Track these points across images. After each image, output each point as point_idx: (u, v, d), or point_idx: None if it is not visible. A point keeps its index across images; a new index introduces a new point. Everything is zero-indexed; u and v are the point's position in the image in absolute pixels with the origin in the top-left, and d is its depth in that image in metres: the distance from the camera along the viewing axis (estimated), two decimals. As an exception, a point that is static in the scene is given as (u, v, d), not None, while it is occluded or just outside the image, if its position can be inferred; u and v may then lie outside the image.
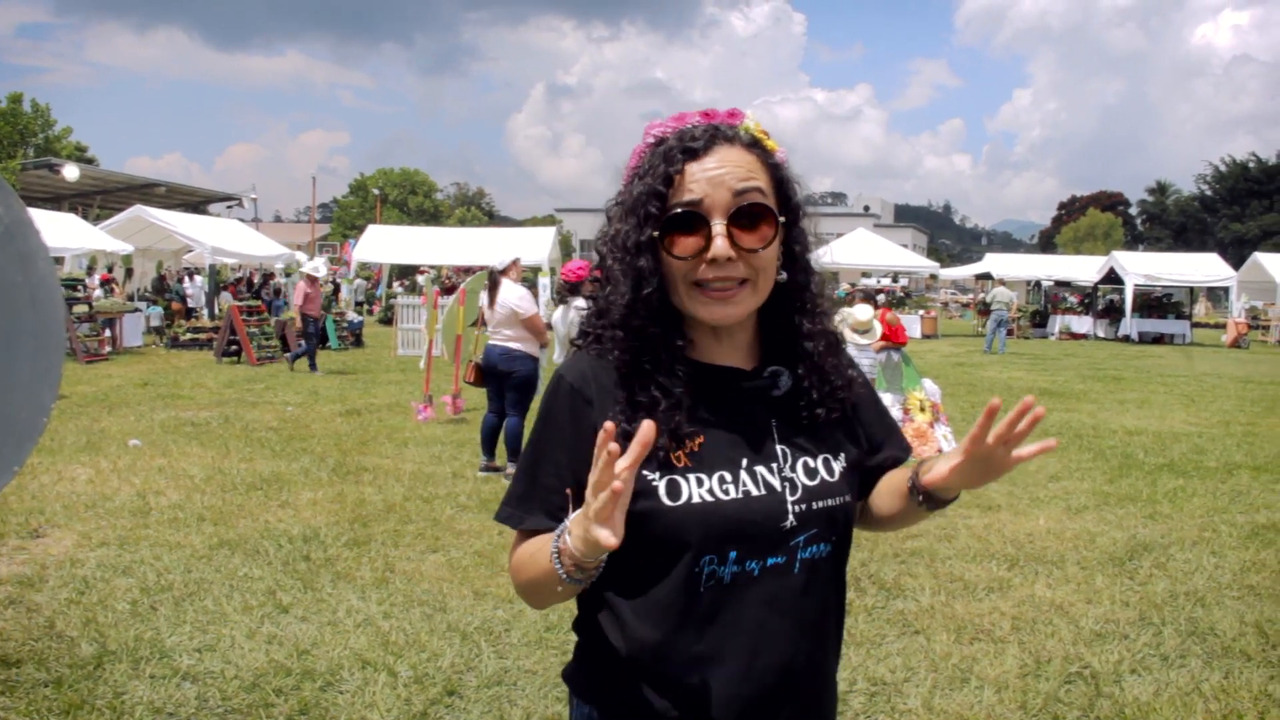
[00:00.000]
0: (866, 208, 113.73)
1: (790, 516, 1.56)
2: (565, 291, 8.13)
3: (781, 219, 1.55)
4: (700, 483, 1.53)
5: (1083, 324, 34.84)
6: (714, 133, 1.54)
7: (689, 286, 1.53)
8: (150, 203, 29.98)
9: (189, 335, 21.63)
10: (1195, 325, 35.16)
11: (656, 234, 1.51)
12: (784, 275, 1.61)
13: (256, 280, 31.57)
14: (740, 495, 1.54)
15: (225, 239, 27.36)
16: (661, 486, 1.53)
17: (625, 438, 1.41)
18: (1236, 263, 38.26)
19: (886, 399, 10.05)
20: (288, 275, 31.67)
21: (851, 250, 32.99)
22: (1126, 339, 32.21)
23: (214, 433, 10.53)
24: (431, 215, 75.38)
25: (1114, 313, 34.63)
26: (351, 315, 25.17)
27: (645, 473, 1.51)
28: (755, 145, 1.57)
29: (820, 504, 1.59)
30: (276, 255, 30.70)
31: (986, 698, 4.28)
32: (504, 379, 8.41)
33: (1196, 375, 20.00)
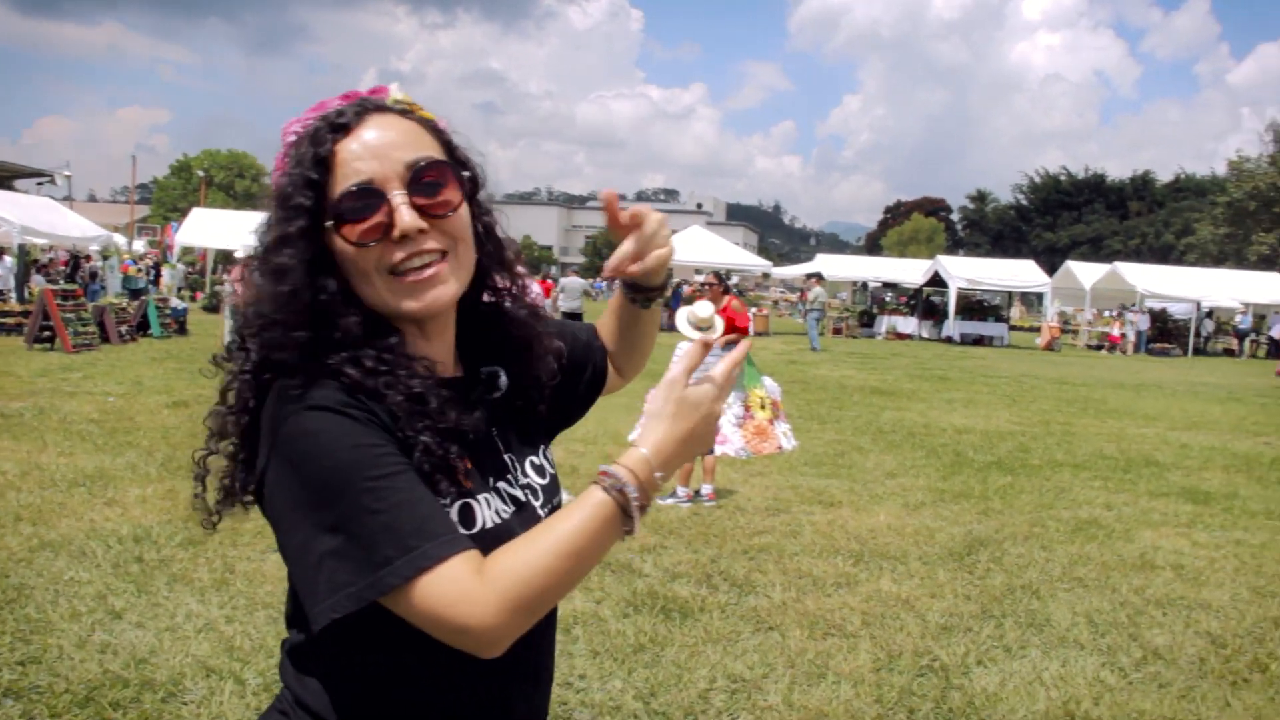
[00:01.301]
0: (699, 205, 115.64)
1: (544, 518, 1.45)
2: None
3: (466, 173, 1.39)
4: (488, 504, 1.37)
5: (908, 325, 36.25)
6: (363, 105, 1.35)
7: (386, 279, 1.31)
8: (-50, 176, 27.98)
9: (-6, 320, 20.26)
10: (1012, 328, 37.02)
11: (330, 223, 1.29)
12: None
13: (70, 263, 29.85)
14: (508, 515, 1.40)
15: (36, 217, 25.72)
16: (454, 512, 1.31)
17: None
18: (1049, 270, 40.45)
19: (729, 398, 10.17)
20: (105, 258, 30.04)
21: (685, 247, 33.47)
22: (949, 340, 33.66)
23: (28, 425, 9.85)
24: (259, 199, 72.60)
25: (937, 314, 36.14)
26: (175, 301, 24.05)
27: (439, 499, 1.28)
28: (407, 112, 1.39)
29: (557, 499, 1.52)
30: (93, 236, 29.05)
31: (844, 692, 4.37)
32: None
33: (1016, 376, 21.05)
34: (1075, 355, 31.72)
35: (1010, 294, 38.81)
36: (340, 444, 1.21)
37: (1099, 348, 35.11)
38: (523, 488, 1.46)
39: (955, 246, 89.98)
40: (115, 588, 5.21)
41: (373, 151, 1.31)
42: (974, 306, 35.89)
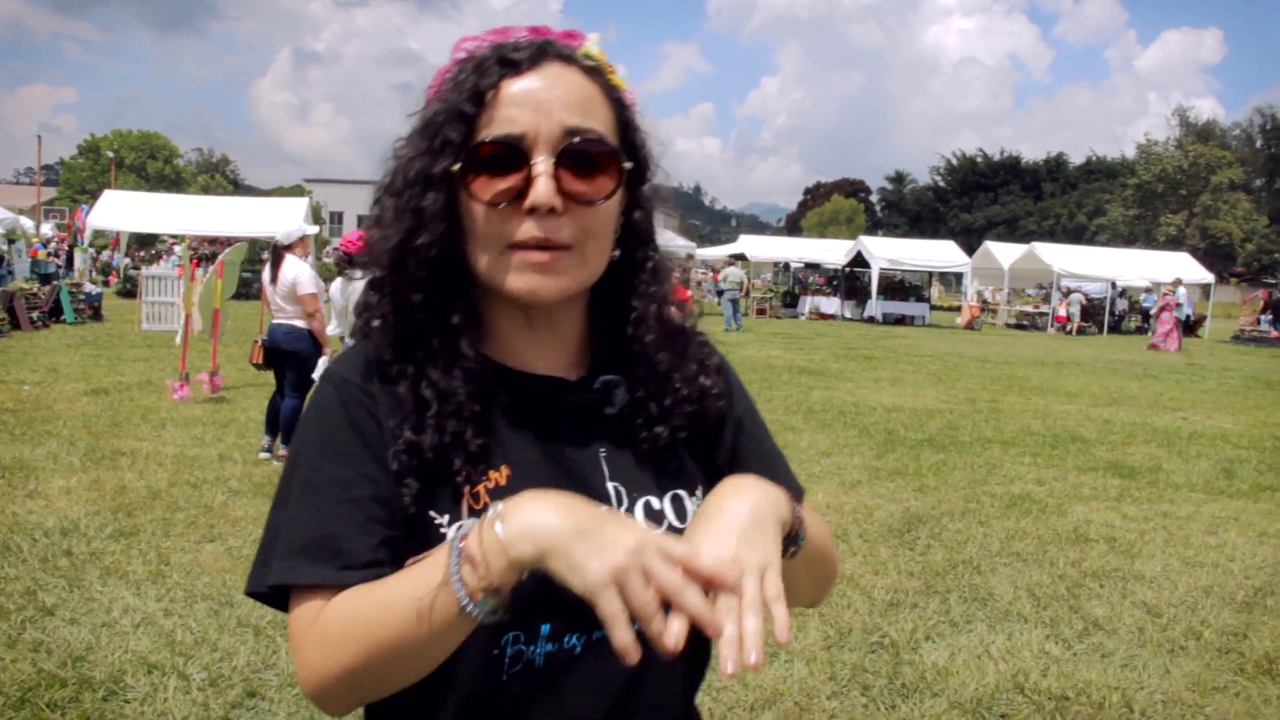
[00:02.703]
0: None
1: None
2: (345, 263, 7.77)
3: (628, 164, 1.19)
4: None
5: (831, 305, 36.65)
6: (544, 47, 1.18)
7: (500, 250, 1.15)
8: None
9: (-104, 307, 19.45)
10: (933, 308, 37.61)
11: (456, 168, 1.14)
12: (616, 252, 1.25)
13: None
14: None
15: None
16: (451, 535, 1.09)
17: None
18: (968, 250, 41.16)
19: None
20: (10, 242, 28.99)
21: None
22: (872, 320, 34.10)
23: (-62, 415, 9.48)
24: (173, 181, 70.77)
25: (860, 294, 36.59)
26: (89, 286, 23.33)
27: (431, 514, 1.14)
28: (597, 73, 1.21)
29: None
30: (-2, 220, 28.03)
31: (797, 670, 4.38)
32: (287, 358, 7.96)
33: (940, 355, 21.38)
34: (995, 334, 32.33)
35: (930, 274, 39.46)
36: (314, 423, 1.19)
37: (1022, 327, 35.83)
38: None
39: (875, 227, 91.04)
40: (45, 583, 5.02)
41: (535, 102, 1.14)
42: (896, 286, 36.43)
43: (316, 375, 7.97)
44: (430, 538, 1.12)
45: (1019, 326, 36.20)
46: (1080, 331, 33.29)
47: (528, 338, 1.25)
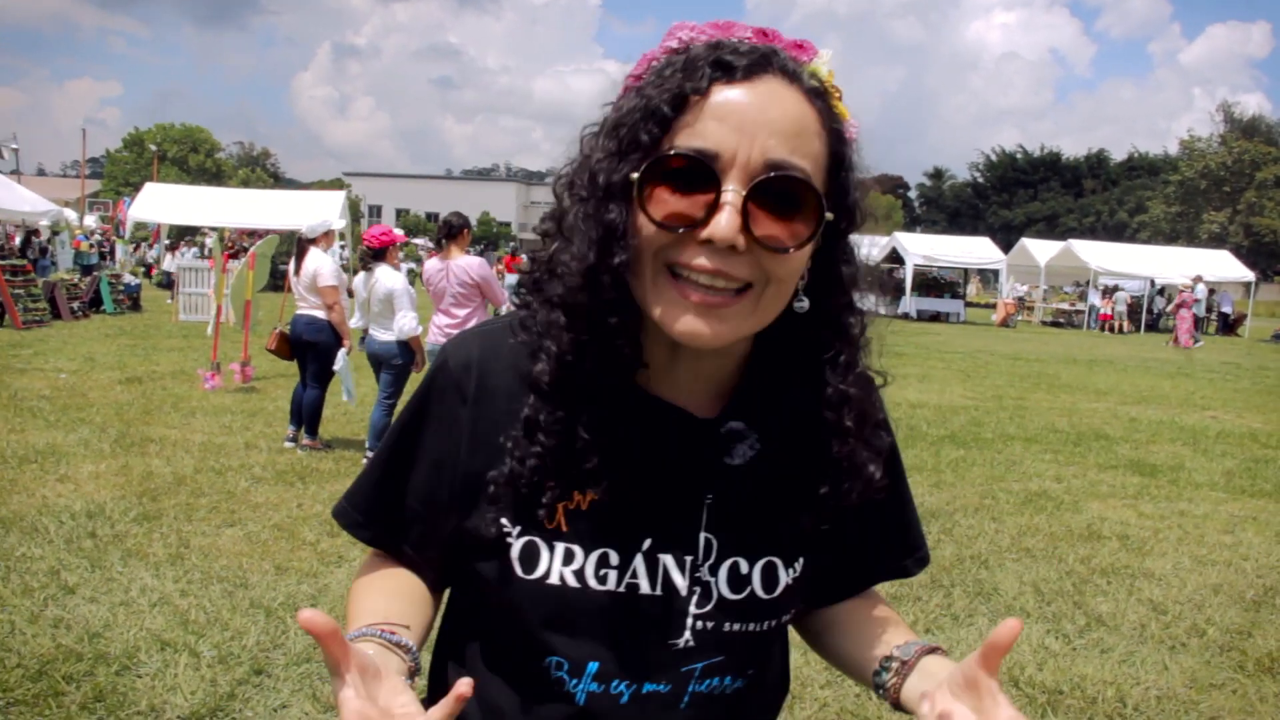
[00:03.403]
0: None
1: (687, 633, 1.11)
2: (368, 257, 7.90)
3: (829, 216, 1.03)
4: (569, 558, 1.10)
5: (865, 300, 36.42)
6: (767, 55, 1.02)
7: (658, 269, 1.02)
8: (-107, 149, 27.34)
9: (-58, 296, 19.87)
10: (968, 305, 37.38)
11: (635, 175, 1.00)
12: (805, 302, 1.09)
13: (22, 238, 29.33)
14: (622, 589, 1.10)
15: (-17, 192, 25.22)
16: (517, 547, 1.11)
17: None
18: (1005, 247, 40.86)
19: None
20: (55, 233, 29.54)
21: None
22: (906, 316, 33.94)
23: (-23, 402, 9.73)
24: (214, 175, 71.67)
25: (894, 290, 36.42)
26: (128, 277, 23.73)
27: (503, 520, 1.12)
28: (820, 97, 1.05)
29: (737, 627, 1.13)
30: (43, 211, 28.51)
31: (794, 660, 4.43)
32: (308, 349, 8.12)
33: (971, 352, 21.28)
34: (1030, 331, 32.10)
35: (966, 271, 39.21)
36: (416, 394, 1.23)
37: (1058, 324, 35.56)
38: (694, 581, 1.12)
39: (912, 224, 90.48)
40: (68, 563, 5.18)
41: (740, 121, 0.98)
42: (931, 283, 36.23)
43: (336, 367, 8.12)
44: (493, 540, 1.12)
45: (1055, 324, 35.93)
46: (1119, 329, 32.97)
47: (666, 362, 1.12)
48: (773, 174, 0.98)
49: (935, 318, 34.22)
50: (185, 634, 4.36)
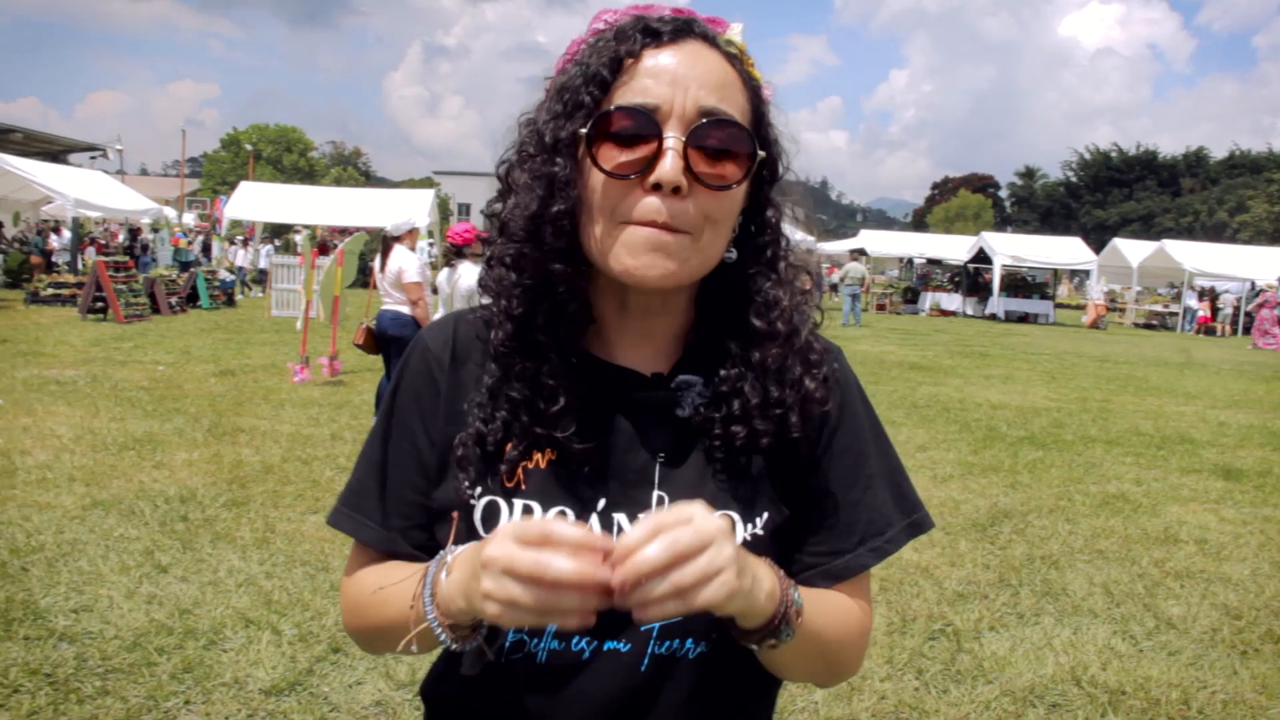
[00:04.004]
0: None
1: None
2: (451, 254, 8.11)
3: (761, 154, 1.14)
4: (527, 513, 1.15)
5: (952, 301, 36.05)
6: (688, 23, 1.14)
7: (613, 224, 1.10)
8: (6, 150, 28.51)
9: (50, 290, 20.75)
10: (1059, 306, 36.68)
11: (584, 131, 1.10)
12: (733, 253, 1.18)
13: (122, 236, 30.44)
14: None
15: (89, 191, 26.25)
16: (479, 507, 1.16)
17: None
18: (1097, 247, 39.99)
19: None
20: (155, 231, 30.58)
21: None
22: (993, 317, 33.44)
23: (81, 392, 10.18)
24: (306, 174, 73.39)
25: (982, 291, 35.91)
26: (224, 274, 24.48)
27: (464, 482, 1.17)
28: (737, 61, 1.16)
29: None
30: (144, 210, 29.61)
31: (855, 653, 4.49)
32: (393, 343, 8.37)
33: (1058, 353, 20.92)
34: (1121, 333, 31.39)
35: (1056, 271, 38.46)
36: (394, 385, 1.27)
37: (1151, 326, 34.71)
38: None
39: (1003, 223, 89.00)
40: (162, 544, 5.45)
41: (672, 77, 1.09)
42: (1019, 283, 35.62)
43: None
44: (458, 502, 1.18)
45: (1147, 326, 35.06)
46: (1208, 332, 32.08)
47: (617, 324, 1.21)
48: (706, 120, 1.08)
49: (1023, 319, 33.63)
50: (268, 613, 4.58)
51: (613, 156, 1.09)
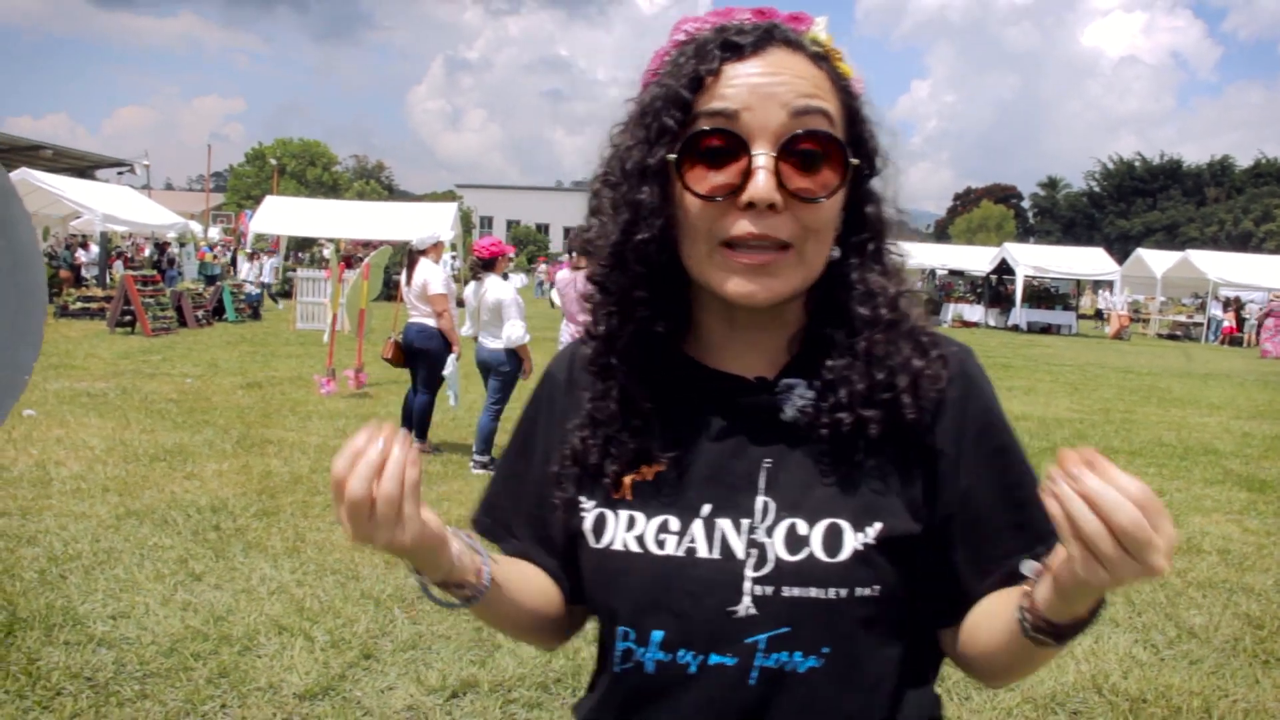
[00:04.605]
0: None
1: (746, 599, 1.08)
2: (478, 267, 8.22)
3: (854, 161, 1.10)
4: (631, 524, 1.15)
5: (974, 312, 36.00)
6: (769, 30, 1.10)
7: (713, 246, 1.08)
8: (35, 166, 28.88)
9: (79, 304, 21.01)
10: (1082, 317, 36.54)
11: (672, 156, 1.08)
12: (837, 251, 1.15)
13: (149, 250, 30.80)
14: (680, 552, 1.12)
15: (117, 206, 26.56)
16: (589, 519, 1.18)
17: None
18: (1121, 258, 39.85)
19: None
20: (182, 245, 30.93)
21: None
22: (1016, 328, 33.36)
23: (112, 404, 10.35)
24: (330, 188, 73.91)
25: (1004, 302, 35.83)
26: (249, 287, 24.72)
27: (581, 497, 1.20)
28: (823, 59, 1.12)
29: (797, 593, 1.08)
30: (170, 224, 29.93)
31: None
32: (419, 356, 8.48)
33: (1080, 364, 20.87)
34: (1145, 344, 31.24)
35: (1080, 282, 38.32)
36: (525, 404, 1.36)
37: (1175, 337, 34.54)
38: (750, 544, 1.10)
39: (1026, 234, 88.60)
40: (195, 553, 5.56)
41: (756, 91, 1.06)
42: (1042, 294, 35.52)
43: (446, 373, 8.45)
44: (575, 517, 1.21)
45: (1171, 337, 34.87)
46: (1234, 342, 31.90)
47: (727, 334, 1.19)
48: (796, 133, 1.05)
49: (1046, 330, 33.52)
50: (301, 620, 4.67)
51: (703, 179, 1.07)
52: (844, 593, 1.07)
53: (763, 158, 1.04)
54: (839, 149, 1.07)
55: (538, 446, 1.28)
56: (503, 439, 8.69)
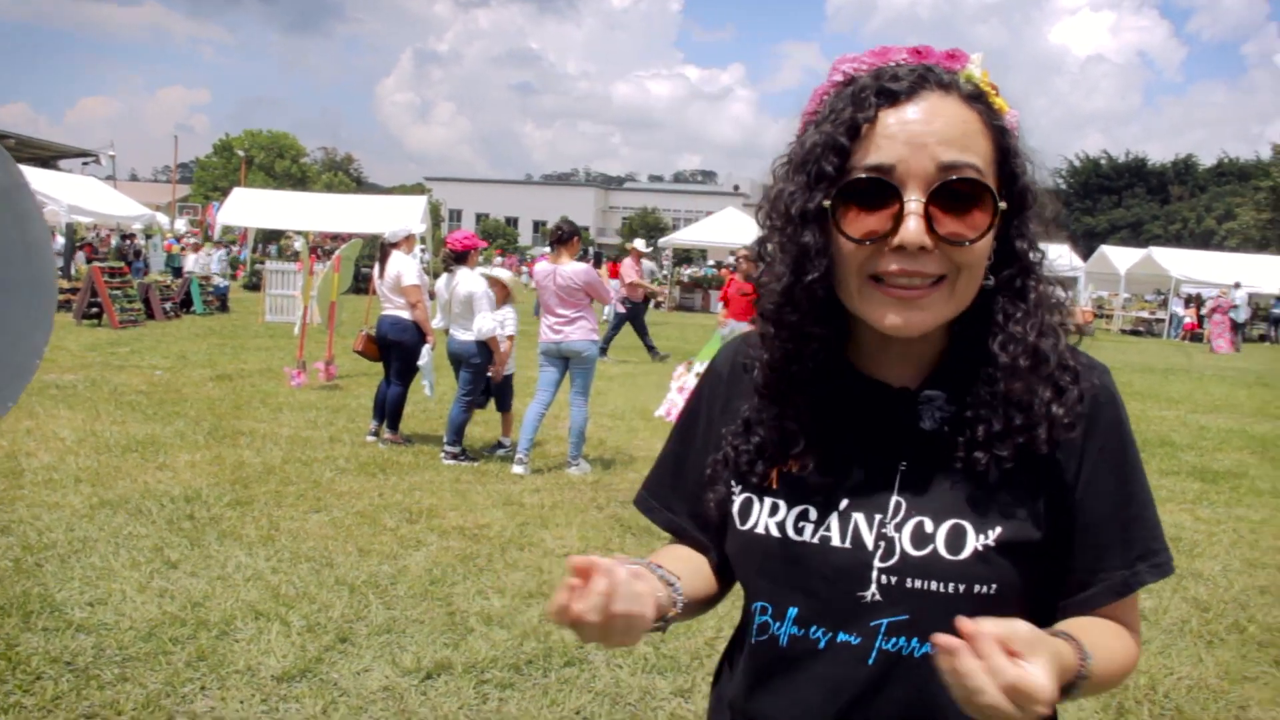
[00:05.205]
0: (736, 187, 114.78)
1: (873, 586, 1.20)
2: (450, 260, 8.31)
3: (1002, 205, 1.15)
4: (775, 510, 1.27)
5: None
6: (923, 75, 1.15)
7: (862, 280, 1.16)
8: None
9: (45, 296, 20.81)
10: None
11: (828, 203, 1.15)
12: (990, 280, 1.21)
13: (115, 241, 30.58)
14: (815, 540, 1.23)
15: (82, 197, 26.42)
16: (737, 502, 1.31)
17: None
18: (1086, 254, 40.33)
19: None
20: (148, 237, 30.76)
21: (721, 229, 33.80)
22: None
23: (81, 395, 10.36)
24: (298, 180, 73.41)
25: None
26: (218, 280, 24.62)
27: (731, 481, 1.32)
28: (978, 99, 1.18)
29: (919, 584, 1.18)
30: (136, 215, 29.75)
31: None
32: (393, 348, 8.56)
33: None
34: (1108, 340, 31.67)
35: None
36: (695, 385, 1.48)
37: (1138, 333, 35.04)
38: (879, 537, 1.21)
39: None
40: (170, 541, 5.63)
41: (909, 136, 1.12)
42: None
43: (421, 362, 8.54)
44: (724, 496, 1.33)
45: (1134, 333, 35.39)
46: (1195, 339, 32.40)
47: (879, 344, 1.25)
48: (946, 179, 1.11)
49: (1010, 325, 33.84)
50: (277, 605, 4.77)
51: (857, 222, 1.13)
52: (962, 588, 1.17)
53: (914, 203, 1.11)
54: (988, 193, 1.13)
55: (698, 435, 1.41)
56: (474, 430, 8.82)
